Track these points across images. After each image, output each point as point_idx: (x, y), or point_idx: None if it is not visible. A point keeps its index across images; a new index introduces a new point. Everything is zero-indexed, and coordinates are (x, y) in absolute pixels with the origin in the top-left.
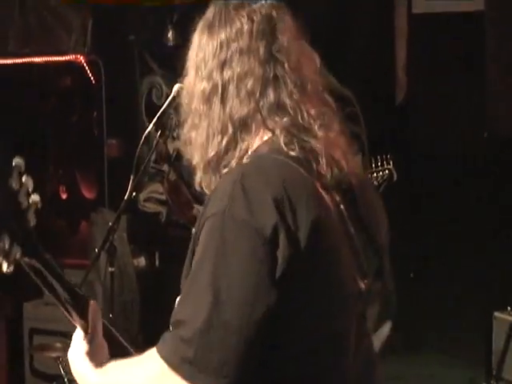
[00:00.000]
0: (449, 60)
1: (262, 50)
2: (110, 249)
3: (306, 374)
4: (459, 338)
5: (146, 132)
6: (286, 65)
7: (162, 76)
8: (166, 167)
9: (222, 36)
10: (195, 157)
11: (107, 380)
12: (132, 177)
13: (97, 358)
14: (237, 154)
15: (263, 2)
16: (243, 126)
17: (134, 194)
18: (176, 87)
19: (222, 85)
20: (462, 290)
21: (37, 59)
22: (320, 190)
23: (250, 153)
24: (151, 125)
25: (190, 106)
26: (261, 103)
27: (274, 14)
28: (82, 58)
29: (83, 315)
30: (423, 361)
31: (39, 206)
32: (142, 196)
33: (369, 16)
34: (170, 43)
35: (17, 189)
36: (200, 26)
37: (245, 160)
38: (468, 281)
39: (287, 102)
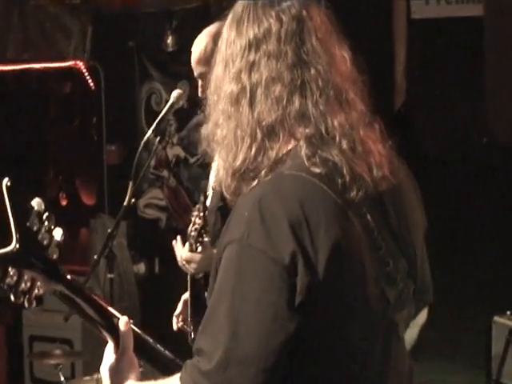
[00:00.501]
0: (448, 65)
1: (290, 54)
2: (110, 255)
3: None
4: (458, 343)
5: (145, 138)
6: (313, 70)
7: (162, 82)
8: (165, 173)
9: (251, 35)
10: (222, 157)
11: None
12: (131, 183)
13: (125, 373)
14: (265, 162)
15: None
16: (271, 133)
17: (133, 200)
18: (175, 93)
19: (251, 88)
20: (461, 294)
21: (36, 65)
22: (342, 205)
23: (280, 158)
24: (150, 131)
25: (217, 104)
26: (287, 110)
27: (304, 13)
28: (81, 64)
29: (113, 333)
30: (422, 366)
31: (62, 239)
32: (141, 202)
33: (367, 22)
34: (170, 49)
35: (37, 228)
36: (229, 19)
37: (270, 174)
38: (467, 285)
39: (312, 111)
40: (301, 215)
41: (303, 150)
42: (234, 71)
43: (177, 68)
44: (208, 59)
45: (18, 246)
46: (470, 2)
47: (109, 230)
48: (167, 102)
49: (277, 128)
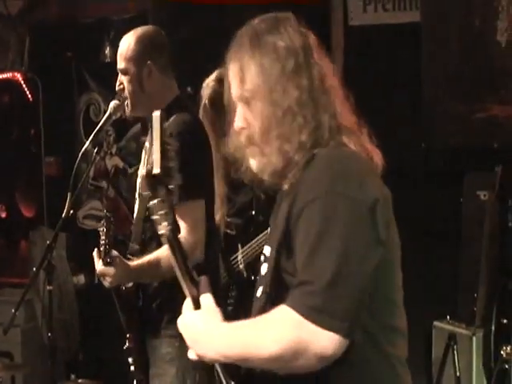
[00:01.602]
0: (386, 72)
1: (325, 65)
2: (48, 267)
3: (386, 317)
4: None
5: (83, 149)
6: (332, 81)
7: (100, 93)
8: (104, 184)
9: (296, 45)
10: (279, 147)
11: (242, 332)
12: (69, 194)
13: (214, 316)
14: (315, 145)
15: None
16: (321, 125)
17: (71, 211)
18: (112, 104)
19: (308, 88)
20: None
21: None
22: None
23: (327, 141)
24: (88, 142)
25: (269, 107)
26: (334, 108)
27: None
28: (19, 76)
29: (194, 285)
30: None
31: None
32: (81, 213)
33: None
34: (108, 59)
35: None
36: (263, 32)
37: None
38: (407, 290)
39: (340, 110)
40: (368, 170)
41: (342, 136)
42: (289, 73)
43: (115, 78)
44: (129, 57)
45: (161, 171)
46: (407, 9)
47: (48, 242)
48: (106, 112)
49: (328, 120)
